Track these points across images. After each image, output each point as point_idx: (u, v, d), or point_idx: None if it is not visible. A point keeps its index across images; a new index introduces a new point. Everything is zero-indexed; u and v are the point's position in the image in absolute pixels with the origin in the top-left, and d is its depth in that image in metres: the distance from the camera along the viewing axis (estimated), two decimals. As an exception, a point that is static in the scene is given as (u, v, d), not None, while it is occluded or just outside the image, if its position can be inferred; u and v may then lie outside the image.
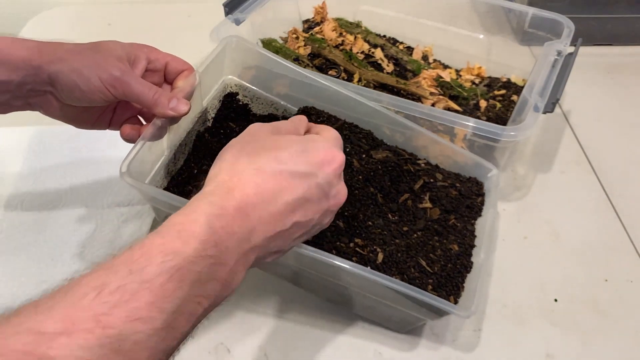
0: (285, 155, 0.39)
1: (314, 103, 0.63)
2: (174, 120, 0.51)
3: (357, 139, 0.61)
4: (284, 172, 0.39)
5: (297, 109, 0.64)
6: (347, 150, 0.60)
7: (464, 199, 0.61)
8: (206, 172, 0.55)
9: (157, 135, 0.50)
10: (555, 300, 0.60)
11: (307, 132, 0.46)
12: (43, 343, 0.27)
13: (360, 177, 0.58)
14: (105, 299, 0.29)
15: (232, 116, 0.62)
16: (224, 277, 0.35)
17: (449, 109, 0.73)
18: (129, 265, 0.30)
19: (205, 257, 0.33)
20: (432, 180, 0.61)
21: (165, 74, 0.54)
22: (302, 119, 0.47)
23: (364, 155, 0.60)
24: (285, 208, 0.38)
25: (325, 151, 0.41)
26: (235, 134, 0.60)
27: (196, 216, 0.34)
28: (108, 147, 0.70)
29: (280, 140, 0.41)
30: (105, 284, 0.29)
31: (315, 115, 0.62)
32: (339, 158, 0.41)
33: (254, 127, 0.44)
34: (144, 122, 0.56)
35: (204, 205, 0.35)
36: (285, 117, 0.64)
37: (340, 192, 0.42)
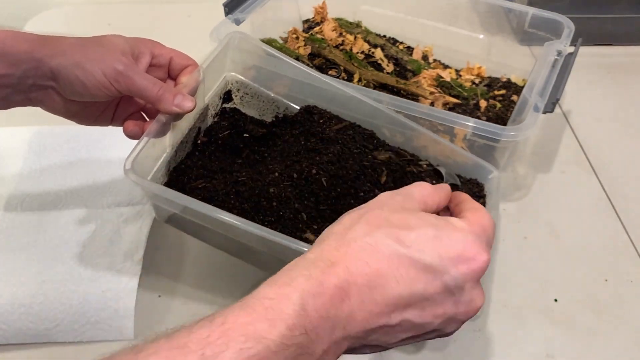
0: (411, 237, 0.33)
1: (316, 102, 0.63)
2: (178, 116, 0.50)
3: (361, 139, 0.61)
4: (403, 257, 0.32)
5: (299, 108, 0.63)
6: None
7: (465, 199, 0.60)
8: (206, 169, 0.56)
9: (161, 131, 0.50)
10: (555, 300, 0.60)
11: (452, 209, 0.39)
12: None
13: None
14: None
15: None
16: None
17: (447, 104, 0.73)
18: (204, 348, 0.27)
19: (291, 345, 0.28)
20: (434, 182, 0.61)
21: (169, 70, 0.53)
22: (446, 188, 0.39)
23: (368, 157, 0.60)
24: (396, 301, 0.32)
25: (465, 245, 0.34)
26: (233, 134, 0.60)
27: (289, 291, 0.30)
28: (108, 147, 0.70)
29: (411, 218, 0.34)
30: None
31: (318, 115, 0.62)
32: (482, 259, 0.34)
33: (385, 196, 0.37)
34: (147, 119, 0.55)
35: (301, 278, 0.31)
36: (286, 116, 0.64)
37: (475, 300, 0.34)
